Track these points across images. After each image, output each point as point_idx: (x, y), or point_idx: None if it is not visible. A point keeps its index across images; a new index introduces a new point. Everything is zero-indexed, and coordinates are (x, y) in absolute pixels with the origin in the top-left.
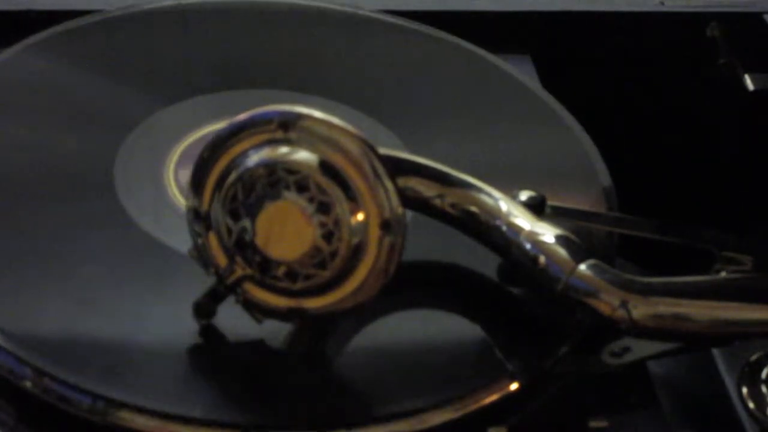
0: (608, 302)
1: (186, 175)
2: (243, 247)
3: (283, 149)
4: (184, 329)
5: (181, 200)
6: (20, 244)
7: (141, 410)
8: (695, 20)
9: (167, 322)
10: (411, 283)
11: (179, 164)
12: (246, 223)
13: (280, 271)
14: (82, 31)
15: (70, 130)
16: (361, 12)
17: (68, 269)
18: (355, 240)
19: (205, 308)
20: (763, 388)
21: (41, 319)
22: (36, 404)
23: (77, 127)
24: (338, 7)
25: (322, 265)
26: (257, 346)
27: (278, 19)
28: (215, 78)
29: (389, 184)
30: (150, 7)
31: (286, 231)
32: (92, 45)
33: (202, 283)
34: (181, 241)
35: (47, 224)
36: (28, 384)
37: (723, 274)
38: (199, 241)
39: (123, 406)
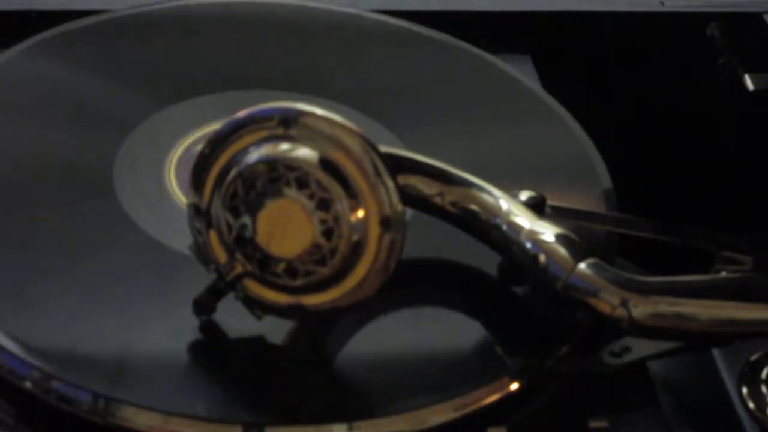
0: (608, 301)
1: (186, 175)
2: (243, 243)
3: (284, 146)
4: (184, 328)
5: (181, 200)
6: (20, 244)
7: (141, 409)
8: (695, 20)
9: (167, 321)
10: (411, 282)
11: (179, 164)
12: (246, 219)
13: (280, 267)
14: (82, 32)
15: (70, 131)
16: (361, 12)
17: (68, 269)
18: (355, 237)
19: (205, 305)
20: (763, 388)
21: (41, 318)
22: (36, 404)
23: (77, 127)
24: (338, 8)
25: (321, 262)
26: (257, 342)
27: (278, 19)
28: (215, 78)
29: (389, 182)
30: (150, 7)
31: (286, 228)
32: (92, 45)
33: (202, 282)
34: (181, 240)
35: (47, 224)
36: (28, 384)
37: (723, 274)
38: (200, 238)
39: (123, 405)
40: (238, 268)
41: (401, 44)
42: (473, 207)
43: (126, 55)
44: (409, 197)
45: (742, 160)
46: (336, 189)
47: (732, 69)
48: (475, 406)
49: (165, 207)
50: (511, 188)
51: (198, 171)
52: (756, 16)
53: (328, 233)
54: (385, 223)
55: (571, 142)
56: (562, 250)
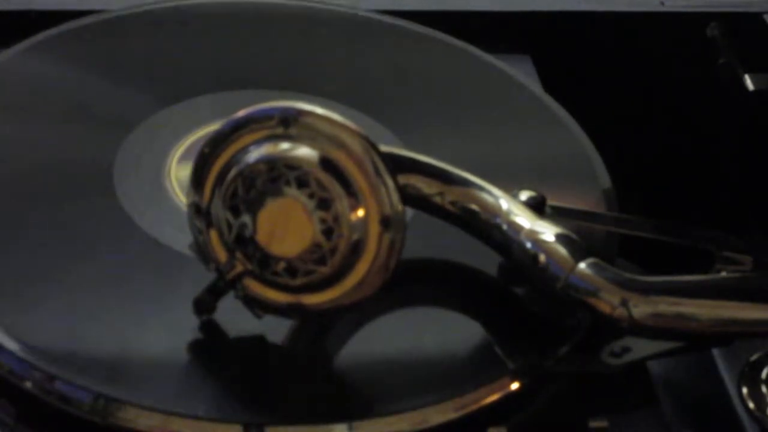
0: (608, 301)
1: (186, 175)
2: (243, 242)
3: (284, 145)
4: (184, 328)
5: (181, 200)
6: (20, 244)
7: (141, 409)
8: (695, 20)
9: (167, 320)
10: (411, 282)
11: (179, 164)
12: (246, 218)
13: (280, 267)
14: (82, 31)
15: (70, 131)
16: (361, 12)
17: (68, 269)
18: (355, 236)
19: (205, 304)
20: (763, 388)
21: (41, 318)
22: (36, 404)
23: (77, 127)
24: (338, 7)
25: (321, 261)
26: (257, 342)
27: (278, 19)
28: (215, 78)
29: (389, 181)
30: (150, 7)
31: (286, 227)
32: (92, 45)
33: (202, 282)
34: (181, 240)
35: (47, 224)
36: (28, 384)
37: (723, 274)
38: (200, 237)
39: (123, 404)
40: (238, 267)
41: (401, 44)
42: (473, 206)
43: (126, 55)
44: (409, 197)
45: (742, 159)
46: (336, 188)
47: (732, 69)
48: (475, 406)
49: (165, 207)
50: (511, 188)
51: (198, 170)
52: (756, 16)
53: (328, 232)
54: (385, 222)
55: (571, 142)
56: (562, 250)
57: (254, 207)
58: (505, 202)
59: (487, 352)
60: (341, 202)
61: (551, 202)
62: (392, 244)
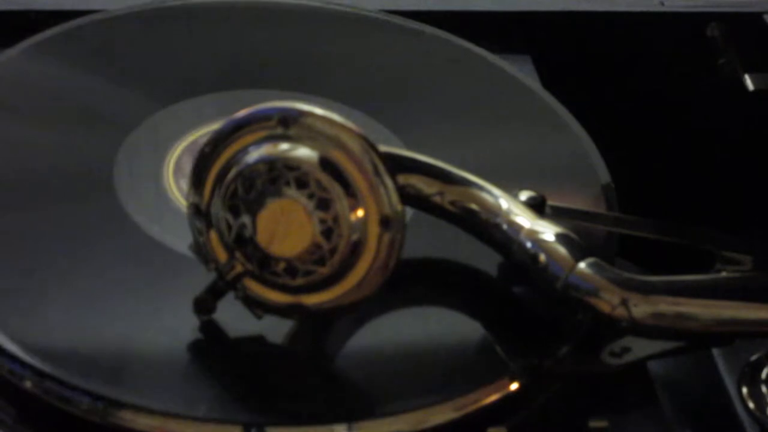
0: (608, 300)
1: (186, 175)
2: (243, 243)
3: (284, 146)
4: (184, 328)
5: (181, 200)
6: (20, 244)
7: (141, 409)
8: (695, 20)
9: (167, 321)
10: (411, 282)
11: (179, 164)
12: (246, 219)
13: (280, 267)
14: (82, 31)
15: (70, 130)
16: (361, 12)
17: (68, 269)
18: (355, 237)
19: (205, 304)
20: (763, 388)
21: (41, 318)
22: (36, 404)
23: (77, 127)
24: (338, 7)
25: (321, 261)
26: (257, 342)
27: (278, 19)
28: (215, 78)
29: (389, 182)
30: (150, 7)
31: (285, 227)
32: (92, 45)
33: (202, 282)
34: (181, 241)
35: (47, 224)
36: (28, 384)
37: (723, 273)
38: (200, 237)
39: (123, 405)
40: (238, 268)
41: (401, 44)
42: (473, 206)
43: (126, 55)
44: (408, 196)
45: (742, 160)
46: (336, 189)
47: (732, 69)
48: (475, 406)
49: (165, 207)
50: (511, 188)
51: (198, 170)
52: (756, 16)
53: (327, 233)
54: (385, 222)
55: (571, 142)
56: (562, 250)
57: (254, 207)
58: (505, 202)
59: (486, 352)
60: (341, 203)
61: (551, 202)
62: (392, 243)
